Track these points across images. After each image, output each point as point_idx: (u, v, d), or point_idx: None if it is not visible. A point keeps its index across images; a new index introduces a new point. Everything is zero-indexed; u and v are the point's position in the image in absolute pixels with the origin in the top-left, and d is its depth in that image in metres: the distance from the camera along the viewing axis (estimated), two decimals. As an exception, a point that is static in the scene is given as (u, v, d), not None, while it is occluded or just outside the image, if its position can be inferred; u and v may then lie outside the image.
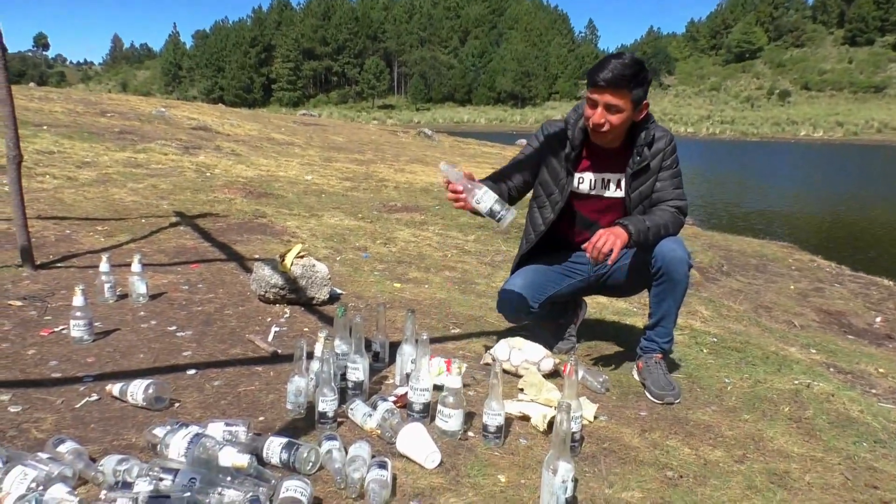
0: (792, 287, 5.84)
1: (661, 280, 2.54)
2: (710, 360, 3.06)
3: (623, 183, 2.61)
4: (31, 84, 25.05)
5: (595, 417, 2.30)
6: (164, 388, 2.15)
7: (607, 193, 2.65)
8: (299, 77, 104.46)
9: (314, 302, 3.34)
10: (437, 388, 2.21)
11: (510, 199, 2.65)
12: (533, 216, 2.77)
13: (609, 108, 2.41)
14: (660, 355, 2.63)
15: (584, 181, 2.65)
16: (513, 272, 2.84)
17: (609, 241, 2.32)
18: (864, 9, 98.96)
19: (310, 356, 2.18)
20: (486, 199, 2.26)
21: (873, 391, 3.06)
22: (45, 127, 9.58)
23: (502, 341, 2.70)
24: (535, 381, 2.40)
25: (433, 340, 2.73)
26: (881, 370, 3.40)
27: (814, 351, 3.71)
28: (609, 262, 2.33)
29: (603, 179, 2.64)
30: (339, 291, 3.58)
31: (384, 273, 4.16)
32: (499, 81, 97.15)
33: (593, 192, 2.66)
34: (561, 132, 2.63)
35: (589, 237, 2.71)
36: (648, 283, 2.62)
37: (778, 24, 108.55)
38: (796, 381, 2.83)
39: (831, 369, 3.35)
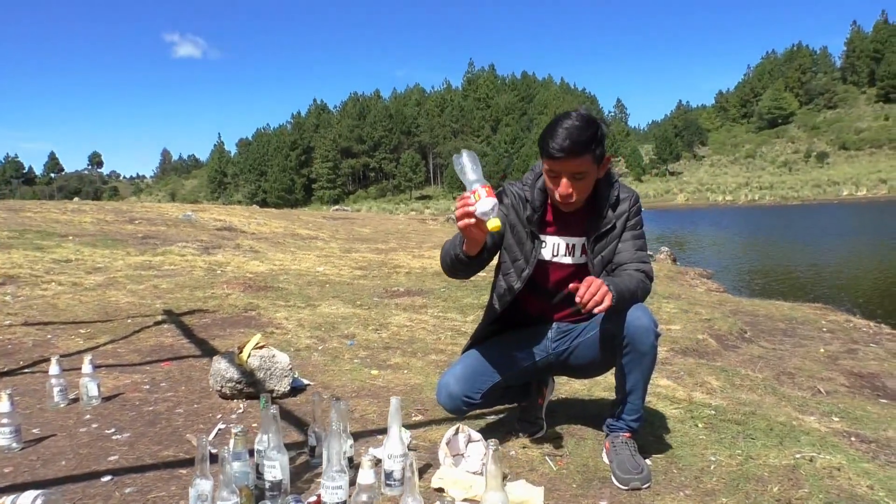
0: (822, 350, 5.40)
1: (627, 351, 2.26)
2: (701, 436, 2.73)
3: (586, 247, 2.39)
4: (76, 199, 26.26)
5: (546, 510, 2.01)
6: (55, 499, 1.95)
7: (571, 259, 2.41)
8: (338, 175, 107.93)
9: (274, 395, 3.15)
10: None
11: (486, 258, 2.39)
12: (498, 285, 2.50)
13: (574, 177, 2.21)
14: (627, 434, 2.34)
15: (547, 245, 2.41)
16: (464, 351, 2.60)
17: (602, 289, 2.01)
18: (895, 66, 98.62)
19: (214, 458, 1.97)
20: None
21: (897, 462, 2.68)
22: (70, 237, 9.84)
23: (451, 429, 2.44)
24: (459, 478, 2.13)
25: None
26: (912, 436, 3.01)
27: (836, 419, 3.33)
28: (597, 310, 2.01)
29: (567, 244, 2.40)
30: (304, 382, 3.38)
31: (365, 360, 3.95)
32: (532, 165, 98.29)
33: (555, 259, 2.43)
34: (521, 193, 2.42)
35: (548, 308, 2.50)
36: (616, 358, 2.34)
37: (808, 87, 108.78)
38: (798, 455, 2.49)
39: (852, 438, 2.97)
